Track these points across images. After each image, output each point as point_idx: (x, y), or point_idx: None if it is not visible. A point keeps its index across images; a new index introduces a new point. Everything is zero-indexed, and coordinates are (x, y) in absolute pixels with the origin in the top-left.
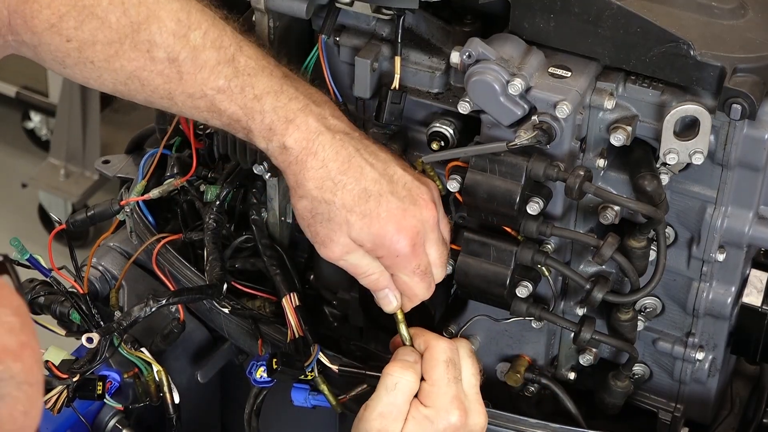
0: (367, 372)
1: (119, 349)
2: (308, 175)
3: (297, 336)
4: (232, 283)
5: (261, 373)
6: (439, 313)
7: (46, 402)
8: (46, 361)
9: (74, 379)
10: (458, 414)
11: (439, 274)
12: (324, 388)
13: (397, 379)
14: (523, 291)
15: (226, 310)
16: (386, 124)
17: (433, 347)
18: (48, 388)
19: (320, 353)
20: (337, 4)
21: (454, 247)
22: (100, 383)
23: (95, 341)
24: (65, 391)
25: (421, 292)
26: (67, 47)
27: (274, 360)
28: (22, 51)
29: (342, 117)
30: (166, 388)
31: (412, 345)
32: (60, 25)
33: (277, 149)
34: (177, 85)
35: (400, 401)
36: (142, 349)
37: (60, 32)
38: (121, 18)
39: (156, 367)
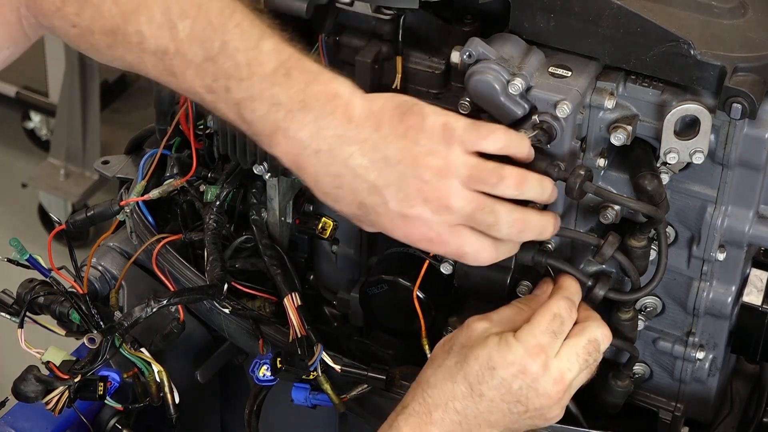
0: (369, 373)
1: (120, 349)
2: (316, 190)
3: (299, 336)
4: (232, 283)
5: (264, 372)
6: (439, 312)
7: (47, 403)
8: (47, 362)
9: (76, 380)
10: (534, 365)
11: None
12: (327, 387)
13: (513, 305)
14: (523, 290)
15: (226, 311)
16: None
17: (551, 299)
18: (49, 389)
19: (323, 353)
20: (337, 4)
21: None
22: (101, 384)
23: (97, 342)
24: (67, 391)
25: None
26: (74, 32)
27: (279, 359)
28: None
29: (337, 110)
30: (166, 388)
31: None
32: (64, 10)
33: (275, 156)
34: (172, 80)
35: (503, 312)
36: (142, 349)
37: (65, 17)
38: (113, 7)
39: (156, 367)
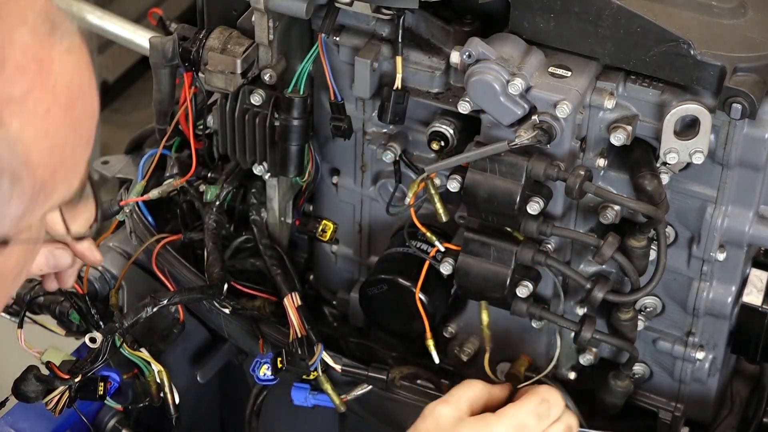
0: (370, 373)
1: (120, 349)
2: None
3: (299, 335)
4: (232, 283)
5: (265, 371)
6: (440, 313)
7: (47, 403)
8: (47, 362)
9: (76, 380)
10: None
11: None
12: (327, 387)
13: (471, 385)
14: (523, 291)
15: (226, 311)
16: (390, 123)
17: (539, 387)
18: (49, 389)
19: (323, 353)
20: (337, 4)
21: (453, 247)
22: (101, 384)
23: (98, 341)
24: (67, 391)
25: None
26: None
27: (279, 359)
28: None
29: None
30: (166, 388)
31: None
32: None
33: None
34: None
35: (463, 393)
36: (142, 349)
37: None
38: None
39: (156, 367)
